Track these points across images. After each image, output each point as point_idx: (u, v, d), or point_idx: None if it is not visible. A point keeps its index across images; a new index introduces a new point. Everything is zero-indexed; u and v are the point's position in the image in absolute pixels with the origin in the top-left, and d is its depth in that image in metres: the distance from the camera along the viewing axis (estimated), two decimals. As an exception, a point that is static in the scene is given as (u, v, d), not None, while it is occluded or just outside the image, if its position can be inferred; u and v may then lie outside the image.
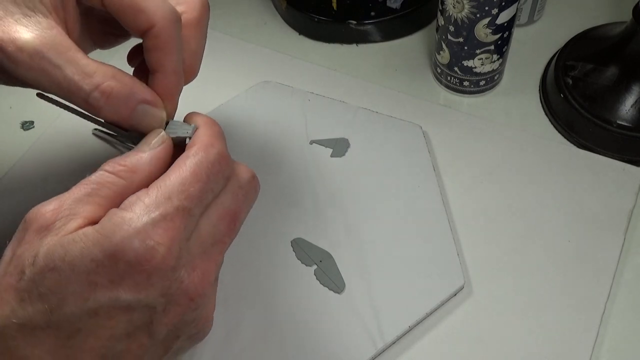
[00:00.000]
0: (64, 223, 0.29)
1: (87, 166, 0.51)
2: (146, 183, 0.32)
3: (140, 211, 0.29)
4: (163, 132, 0.33)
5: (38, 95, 0.34)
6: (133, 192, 0.31)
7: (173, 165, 0.32)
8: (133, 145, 0.35)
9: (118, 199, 0.31)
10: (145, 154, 0.32)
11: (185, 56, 0.36)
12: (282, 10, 0.62)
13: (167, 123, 0.35)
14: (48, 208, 0.30)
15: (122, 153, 0.36)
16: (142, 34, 0.33)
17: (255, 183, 0.35)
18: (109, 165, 0.31)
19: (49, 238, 0.29)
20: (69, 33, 0.33)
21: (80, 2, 0.34)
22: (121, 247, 0.29)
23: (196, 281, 0.31)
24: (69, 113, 0.34)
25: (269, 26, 0.63)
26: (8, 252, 0.30)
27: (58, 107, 0.34)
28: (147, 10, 0.33)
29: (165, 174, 0.31)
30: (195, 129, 0.34)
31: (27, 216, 0.30)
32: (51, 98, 0.33)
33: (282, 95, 0.55)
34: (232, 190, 0.33)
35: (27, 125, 0.55)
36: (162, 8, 0.33)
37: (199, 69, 0.38)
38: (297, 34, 0.62)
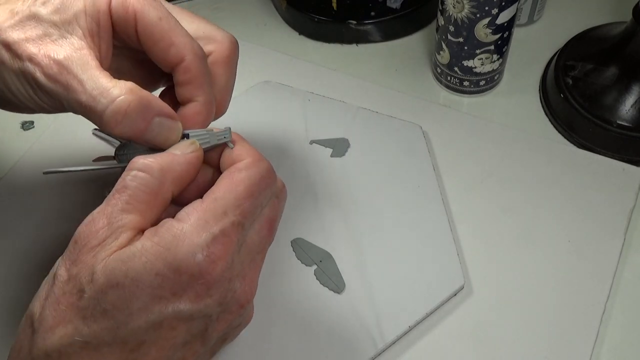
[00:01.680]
0: (115, 238, 0.30)
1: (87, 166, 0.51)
2: (177, 185, 0.32)
3: (198, 224, 0.30)
4: (195, 141, 0.34)
5: (45, 173, 0.36)
6: (166, 193, 0.32)
7: (225, 176, 0.33)
8: (135, 145, 0.35)
9: (154, 201, 0.31)
10: (178, 155, 0.33)
11: (215, 92, 0.37)
12: (282, 10, 0.62)
13: (187, 136, 0.35)
14: (98, 226, 0.30)
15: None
16: (173, 67, 0.35)
17: (285, 190, 0.36)
18: (139, 163, 0.31)
19: (102, 254, 0.30)
20: (100, 60, 0.34)
21: (122, 42, 0.36)
22: (185, 261, 0.30)
23: (246, 289, 0.33)
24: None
25: (269, 26, 0.63)
26: (62, 272, 0.30)
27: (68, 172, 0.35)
28: (177, 44, 0.34)
29: (218, 185, 0.32)
30: (230, 131, 0.35)
31: (76, 236, 0.30)
32: (59, 170, 0.35)
33: (282, 95, 0.55)
34: (271, 200, 0.35)
35: (27, 125, 0.55)
36: (191, 44, 0.35)
37: (228, 104, 0.39)
38: (297, 34, 0.62)
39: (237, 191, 0.32)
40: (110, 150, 0.51)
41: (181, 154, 0.33)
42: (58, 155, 0.52)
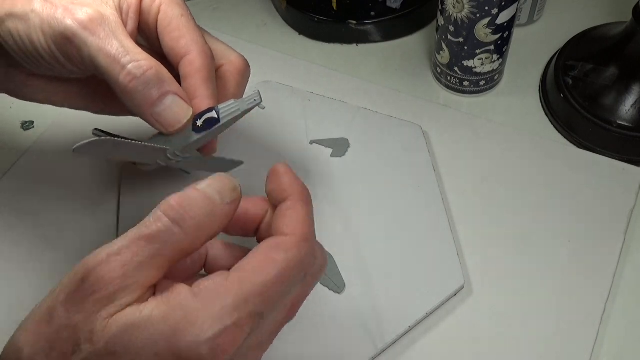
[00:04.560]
0: (126, 294, 0.28)
1: (87, 167, 0.51)
2: (207, 240, 0.30)
3: (213, 310, 0.28)
4: (237, 187, 0.31)
5: (94, 131, 0.36)
6: (194, 250, 0.30)
7: (262, 250, 0.30)
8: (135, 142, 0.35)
9: (178, 258, 0.29)
10: (219, 207, 0.30)
11: (222, 98, 0.38)
12: (282, 10, 0.62)
13: (217, 110, 0.35)
14: (112, 275, 0.28)
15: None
16: (179, 60, 0.37)
17: (325, 265, 0.33)
18: (174, 212, 0.29)
19: (106, 311, 0.28)
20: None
21: (144, 39, 0.38)
22: (187, 350, 0.27)
23: None
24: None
25: (269, 26, 0.63)
26: (61, 314, 0.28)
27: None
28: (187, 37, 0.37)
29: (250, 260, 0.29)
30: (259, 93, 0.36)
31: (85, 274, 0.28)
32: (107, 132, 0.36)
33: (282, 95, 0.55)
34: (306, 279, 0.31)
35: (27, 125, 0.55)
36: (202, 42, 0.37)
37: None
38: (297, 34, 0.62)
39: (268, 276, 0.29)
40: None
41: (221, 204, 0.30)
42: (58, 156, 0.52)
